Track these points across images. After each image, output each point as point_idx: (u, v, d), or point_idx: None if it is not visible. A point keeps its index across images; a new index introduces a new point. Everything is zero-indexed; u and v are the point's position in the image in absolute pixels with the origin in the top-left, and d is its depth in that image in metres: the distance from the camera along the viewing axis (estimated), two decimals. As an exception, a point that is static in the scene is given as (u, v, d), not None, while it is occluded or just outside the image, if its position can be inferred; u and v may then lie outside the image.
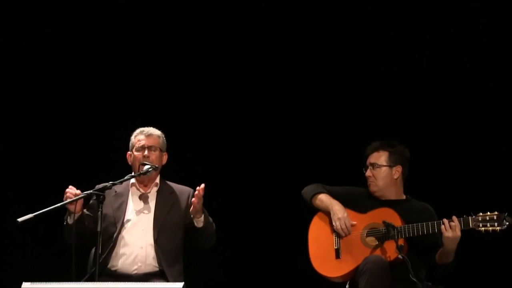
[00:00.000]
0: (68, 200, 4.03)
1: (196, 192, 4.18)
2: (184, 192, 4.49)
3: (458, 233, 4.24)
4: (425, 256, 4.41)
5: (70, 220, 4.16)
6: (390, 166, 4.59)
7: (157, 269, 4.27)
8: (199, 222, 4.27)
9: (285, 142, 5.69)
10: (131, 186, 4.46)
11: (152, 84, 5.76)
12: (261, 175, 5.64)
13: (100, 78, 5.71)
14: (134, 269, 4.25)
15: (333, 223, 4.49)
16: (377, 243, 4.40)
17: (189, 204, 4.37)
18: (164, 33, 5.77)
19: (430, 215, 4.47)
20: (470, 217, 4.27)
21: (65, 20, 5.72)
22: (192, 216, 4.28)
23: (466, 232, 4.27)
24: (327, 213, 4.57)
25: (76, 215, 4.12)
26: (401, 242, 4.27)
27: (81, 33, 5.72)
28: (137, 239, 4.31)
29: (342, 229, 4.46)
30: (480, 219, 4.24)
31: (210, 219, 4.35)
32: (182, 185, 4.55)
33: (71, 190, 4.09)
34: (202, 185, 4.17)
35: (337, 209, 4.50)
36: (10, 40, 5.70)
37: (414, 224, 4.32)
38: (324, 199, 4.58)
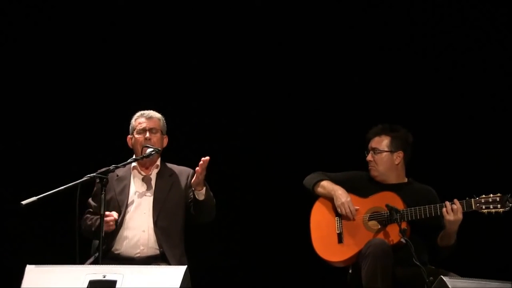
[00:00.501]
0: (72, 183, 3.98)
1: (201, 162, 4.14)
2: (184, 172, 4.48)
3: (460, 215, 4.24)
4: (427, 239, 4.41)
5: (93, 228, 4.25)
6: (392, 151, 4.58)
7: (158, 252, 4.27)
8: (200, 194, 4.24)
9: (286, 126, 5.70)
10: (133, 169, 4.45)
11: (152, 68, 5.75)
12: (263, 160, 5.65)
13: (100, 64, 5.71)
14: (137, 252, 4.26)
15: (337, 208, 4.49)
16: (379, 227, 4.41)
17: (188, 183, 4.37)
18: (168, 23, 5.76)
19: (432, 197, 4.48)
20: (472, 199, 4.26)
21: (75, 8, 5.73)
22: (193, 188, 4.26)
23: (469, 214, 4.27)
24: (329, 199, 4.57)
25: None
26: (404, 225, 4.27)
27: (84, 22, 5.72)
28: (139, 222, 4.31)
29: (346, 213, 4.46)
30: (483, 201, 4.24)
31: (211, 193, 4.33)
32: (182, 166, 4.54)
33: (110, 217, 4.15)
34: (207, 157, 4.14)
35: (340, 194, 4.50)
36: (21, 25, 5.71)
37: (417, 207, 4.32)
38: (326, 185, 4.58)
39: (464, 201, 4.27)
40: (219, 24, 5.73)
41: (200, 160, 4.15)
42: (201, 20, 5.75)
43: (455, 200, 4.27)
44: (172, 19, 5.76)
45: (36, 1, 5.68)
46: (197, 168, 4.17)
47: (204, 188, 4.25)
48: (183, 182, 4.45)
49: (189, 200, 4.38)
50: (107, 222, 4.13)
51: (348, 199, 4.48)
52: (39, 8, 5.67)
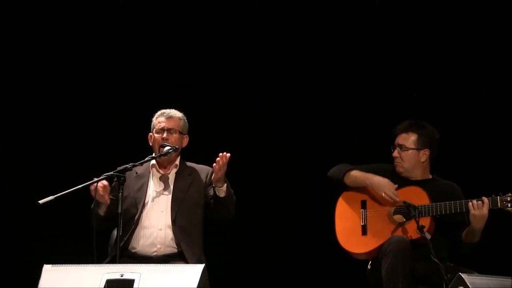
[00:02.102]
0: (90, 182, 4.00)
1: (218, 158, 4.12)
2: (204, 170, 4.46)
3: (485, 211, 4.22)
4: (448, 235, 4.40)
5: (101, 211, 4.19)
6: (418, 149, 4.54)
7: (176, 250, 4.25)
8: (221, 191, 4.22)
9: (313, 120, 5.66)
10: (152, 168, 4.44)
11: (175, 66, 5.75)
12: (285, 156, 5.62)
13: (121, 61, 5.72)
14: (153, 251, 4.25)
15: (379, 193, 4.42)
16: (404, 220, 4.39)
17: (208, 181, 4.37)
18: (187, 22, 5.77)
19: (456, 192, 4.45)
20: (498, 197, 4.24)
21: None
22: (214, 185, 4.23)
23: (492, 213, 4.25)
24: (355, 190, 4.56)
25: (104, 205, 4.14)
26: (422, 222, 4.23)
27: (98, 20, 5.75)
28: (156, 220, 4.29)
29: (390, 196, 4.40)
30: (509, 199, 4.21)
31: (231, 190, 4.31)
32: (203, 165, 4.51)
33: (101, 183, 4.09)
34: (227, 154, 4.11)
35: (378, 180, 4.45)
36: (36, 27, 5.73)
37: (443, 203, 4.30)
38: (358, 175, 4.54)
39: (490, 198, 4.25)
40: (236, 28, 5.73)
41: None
42: (222, 23, 5.76)
43: (483, 198, 4.25)
44: (191, 21, 5.78)
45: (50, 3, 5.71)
46: (214, 165, 4.14)
47: (225, 185, 4.23)
48: (202, 180, 4.43)
49: (209, 198, 4.36)
50: (97, 190, 4.04)
51: (386, 180, 4.43)
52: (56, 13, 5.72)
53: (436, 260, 4.04)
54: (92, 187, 4.05)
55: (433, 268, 4.10)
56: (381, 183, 4.44)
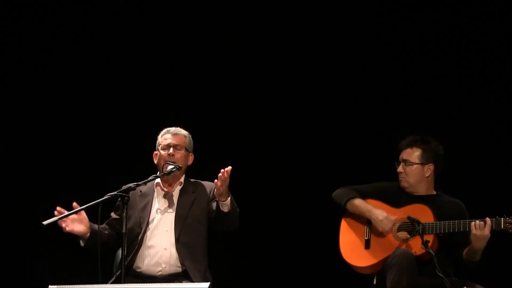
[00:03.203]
0: (93, 202, 3.97)
1: (220, 174, 4.11)
2: (208, 186, 4.45)
3: (487, 232, 4.23)
4: (453, 252, 4.40)
5: (81, 241, 4.19)
6: (423, 164, 4.56)
7: (180, 269, 4.23)
8: (225, 206, 4.20)
9: (317, 134, 5.64)
10: (156, 186, 4.44)
11: (180, 85, 5.74)
12: (290, 171, 5.59)
13: (126, 78, 5.72)
14: (158, 270, 4.23)
15: (377, 227, 4.44)
16: (408, 237, 4.39)
17: (211, 196, 4.35)
18: (191, 37, 5.77)
19: (460, 210, 4.47)
20: (502, 218, 4.25)
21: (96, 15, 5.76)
22: (217, 199, 4.21)
23: (498, 233, 4.25)
24: None
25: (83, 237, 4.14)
26: (426, 237, 4.23)
27: (105, 31, 5.75)
28: (161, 240, 4.28)
29: (385, 231, 4.42)
30: None
31: (235, 204, 4.28)
32: (207, 181, 4.50)
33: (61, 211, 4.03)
34: (229, 168, 4.10)
35: (377, 215, 4.45)
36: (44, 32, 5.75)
37: (446, 222, 4.30)
38: (360, 205, 4.54)
39: (493, 219, 4.25)
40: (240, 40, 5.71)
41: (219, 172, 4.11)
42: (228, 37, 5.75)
43: (487, 218, 4.25)
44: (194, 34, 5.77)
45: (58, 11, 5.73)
46: (215, 181, 4.13)
47: (229, 198, 4.21)
48: (205, 196, 4.42)
49: (212, 212, 4.32)
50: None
51: (385, 214, 4.43)
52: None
53: (441, 275, 4.05)
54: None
55: (438, 283, 4.10)
56: (379, 218, 4.42)
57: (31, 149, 5.63)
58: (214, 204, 4.31)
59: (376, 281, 4.45)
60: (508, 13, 5.40)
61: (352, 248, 4.50)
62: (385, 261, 4.30)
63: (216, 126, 5.64)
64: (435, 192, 4.59)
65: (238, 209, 4.32)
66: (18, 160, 5.61)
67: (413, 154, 4.56)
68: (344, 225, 4.59)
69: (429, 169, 4.55)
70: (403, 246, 4.35)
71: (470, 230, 4.25)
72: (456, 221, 4.28)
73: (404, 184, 4.56)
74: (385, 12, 5.59)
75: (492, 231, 4.23)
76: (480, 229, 4.21)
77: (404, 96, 5.54)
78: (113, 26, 5.73)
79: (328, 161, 5.55)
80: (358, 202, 4.54)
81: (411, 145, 4.59)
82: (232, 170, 4.11)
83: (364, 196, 4.57)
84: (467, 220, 4.28)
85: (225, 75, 5.73)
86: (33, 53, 5.71)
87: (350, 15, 5.62)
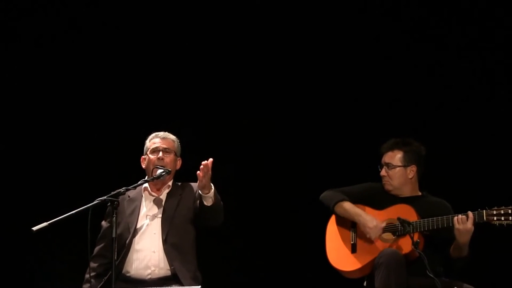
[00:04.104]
0: (83, 207, 3.98)
1: (202, 166, 4.08)
2: (194, 186, 4.41)
3: (469, 226, 4.24)
4: (441, 251, 4.41)
5: None
6: (405, 166, 4.59)
7: (170, 272, 4.23)
8: (208, 198, 4.17)
9: (301, 138, 5.67)
10: (144, 191, 4.44)
11: (167, 88, 5.76)
12: (277, 173, 5.63)
13: (114, 82, 5.73)
14: (147, 273, 4.23)
15: (365, 233, 4.44)
16: (393, 238, 4.41)
17: (197, 196, 4.30)
18: (184, 39, 5.78)
19: (446, 209, 4.48)
20: (484, 211, 4.26)
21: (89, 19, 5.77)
22: (200, 192, 4.18)
23: (484, 227, 4.26)
24: None
25: None
26: (416, 237, 4.26)
27: (95, 34, 5.77)
28: (149, 243, 4.29)
29: (373, 238, 4.43)
30: (495, 212, 4.23)
31: (219, 197, 4.26)
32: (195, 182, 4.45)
33: None
34: (210, 160, 4.07)
35: (365, 221, 4.45)
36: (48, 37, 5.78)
37: (429, 219, 4.32)
38: (348, 208, 4.54)
39: (476, 212, 4.26)
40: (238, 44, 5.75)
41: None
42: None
43: (468, 212, 4.27)
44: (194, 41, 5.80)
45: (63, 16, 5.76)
46: (198, 172, 4.10)
47: (212, 191, 4.17)
48: (191, 195, 4.41)
49: (198, 208, 4.30)
50: None
51: (375, 223, 4.43)
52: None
53: (431, 275, 4.07)
54: None
55: (428, 283, 4.12)
56: (369, 225, 4.42)
57: (20, 154, 5.65)
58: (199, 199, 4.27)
59: (366, 283, 4.47)
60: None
61: (339, 253, 4.51)
62: (372, 263, 4.31)
63: (206, 129, 5.66)
64: (420, 193, 4.61)
65: (222, 203, 4.29)
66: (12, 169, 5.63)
67: (395, 157, 4.60)
68: (329, 232, 4.61)
69: (412, 171, 4.57)
70: (389, 247, 4.35)
71: (453, 226, 4.25)
72: (440, 217, 4.29)
73: (388, 187, 4.59)
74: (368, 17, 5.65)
75: (477, 224, 4.24)
76: (463, 223, 4.22)
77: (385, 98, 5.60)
78: (113, 26, 5.74)
79: (317, 163, 5.58)
80: (347, 205, 4.55)
81: (392, 148, 4.62)
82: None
83: (351, 200, 4.57)
84: (450, 216, 4.29)
85: (223, 77, 5.75)
86: (33, 54, 5.71)
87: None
